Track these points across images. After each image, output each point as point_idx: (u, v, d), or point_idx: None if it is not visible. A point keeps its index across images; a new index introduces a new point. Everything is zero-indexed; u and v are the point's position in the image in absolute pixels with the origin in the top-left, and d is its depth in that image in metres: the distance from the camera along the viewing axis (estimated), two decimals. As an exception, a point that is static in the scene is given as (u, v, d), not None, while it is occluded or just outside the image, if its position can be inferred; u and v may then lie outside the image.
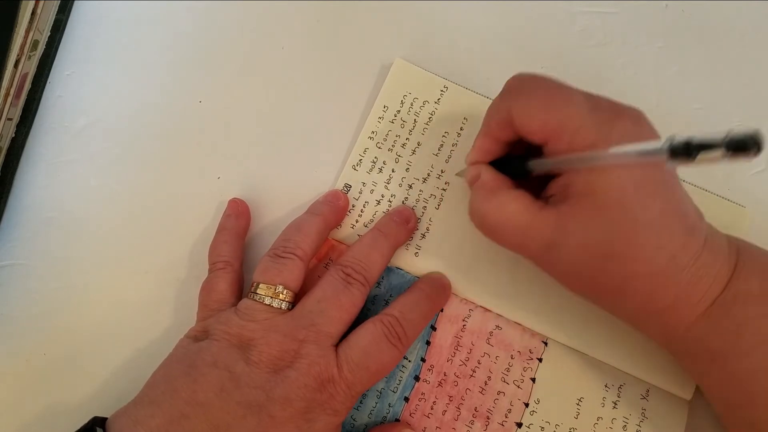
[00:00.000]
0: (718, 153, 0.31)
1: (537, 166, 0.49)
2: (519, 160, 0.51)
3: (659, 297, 0.46)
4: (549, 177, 0.50)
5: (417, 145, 0.61)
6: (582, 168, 0.45)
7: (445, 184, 0.60)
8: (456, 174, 0.60)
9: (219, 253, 0.57)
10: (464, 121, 0.61)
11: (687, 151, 0.33)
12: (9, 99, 0.59)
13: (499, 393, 0.55)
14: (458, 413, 0.55)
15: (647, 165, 0.35)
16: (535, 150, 0.49)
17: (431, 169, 0.60)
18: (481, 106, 0.61)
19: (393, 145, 0.61)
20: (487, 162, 0.52)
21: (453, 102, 0.62)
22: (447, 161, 0.60)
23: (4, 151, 0.60)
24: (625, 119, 0.46)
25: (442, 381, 0.56)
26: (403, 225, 0.58)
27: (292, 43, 0.65)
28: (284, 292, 0.52)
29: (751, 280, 0.46)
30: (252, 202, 0.61)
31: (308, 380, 0.48)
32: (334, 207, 0.58)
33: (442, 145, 0.61)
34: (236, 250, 0.58)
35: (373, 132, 0.61)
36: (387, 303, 0.57)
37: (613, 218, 0.45)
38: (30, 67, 0.62)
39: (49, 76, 0.63)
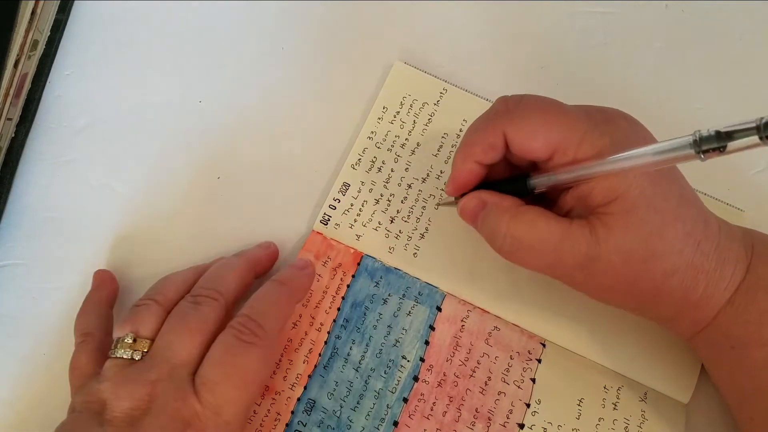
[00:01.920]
0: (752, 139, 0.32)
1: (543, 182, 0.48)
2: (519, 180, 0.50)
3: (693, 289, 0.46)
4: (544, 198, 0.50)
5: (416, 146, 0.61)
6: (595, 176, 0.45)
7: (445, 184, 0.60)
8: (437, 205, 0.60)
9: (80, 327, 0.54)
10: (463, 122, 0.61)
11: (718, 141, 0.33)
12: (9, 99, 0.59)
13: (499, 393, 0.55)
14: (459, 414, 0.54)
15: (686, 161, 0.36)
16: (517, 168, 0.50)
17: (430, 169, 0.61)
18: (481, 108, 0.60)
19: (392, 145, 0.61)
20: (469, 189, 0.51)
21: (452, 104, 0.62)
22: (446, 162, 0.61)
23: (3, 151, 0.60)
24: (618, 120, 0.46)
25: (442, 381, 0.55)
26: (257, 247, 0.58)
27: (292, 43, 0.65)
28: (139, 341, 0.48)
29: None
30: (252, 202, 0.61)
31: (166, 421, 0.45)
32: (198, 269, 0.56)
33: (441, 146, 0.61)
34: (98, 320, 0.54)
35: (372, 132, 0.62)
36: (385, 302, 0.57)
37: (643, 218, 0.45)
38: (30, 67, 0.62)
39: (49, 76, 0.64)
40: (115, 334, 0.50)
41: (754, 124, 0.31)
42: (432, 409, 0.55)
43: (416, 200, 0.60)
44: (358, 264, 0.58)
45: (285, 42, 0.65)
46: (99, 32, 0.65)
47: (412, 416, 0.55)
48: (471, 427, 0.54)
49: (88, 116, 0.63)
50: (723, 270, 0.45)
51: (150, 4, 0.66)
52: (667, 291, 0.47)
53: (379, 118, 0.62)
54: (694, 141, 0.34)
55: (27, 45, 0.60)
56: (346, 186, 0.60)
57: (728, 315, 0.46)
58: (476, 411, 0.55)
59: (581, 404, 0.55)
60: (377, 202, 0.60)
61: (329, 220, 0.60)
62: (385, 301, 0.57)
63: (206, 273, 0.54)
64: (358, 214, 0.60)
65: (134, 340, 0.48)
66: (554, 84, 0.63)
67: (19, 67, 0.60)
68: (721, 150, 0.33)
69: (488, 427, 0.54)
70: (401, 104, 0.62)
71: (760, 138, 0.31)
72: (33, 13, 0.60)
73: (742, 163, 0.61)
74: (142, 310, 0.50)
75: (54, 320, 0.59)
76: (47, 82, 0.63)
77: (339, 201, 0.60)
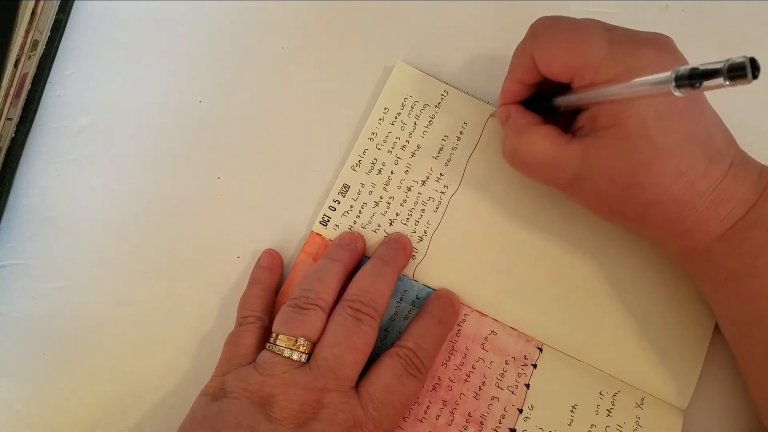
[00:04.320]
0: (719, 79, 0.33)
1: (562, 102, 0.51)
2: (545, 98, 0.53)
3: (678, 222, 0.47)
4: (580, 112, 0.51)
5: (417, 148, 0.61)
6: (605, 101, 0.46)
7: (444, 187, 0.60)
8: (490, 115, 0.61)
9: (251, 307, 0.57)
10: (464, 125, 0.61)
11: (690, 79, 0.34)
12: (9, 99, 0.59)
13: (493, 398, 0.56)
14: (452, 418, 0.55)
15: (666, 95, 0.37)
16: (567, 86, 0.50)
17: (430, 172, 0.61)
18: (481, 111, 0.61)
19: (393, 147, 0.61)
20: (516, 102, 0.54)
21: (453, 106, 0.62)
22: (446, 164, 0.61)
23: (4, 151, 0.60)
24: (646, 48, 0.46)
25: (436, 385, 0.56)
26: (402, 251, 0.58)
27: (292, 43, 0.65)
28: (304, 344, 0.51)
29: None
30: (252, 202, 0.62)
31: (335, 429, 0.48)
32: (353, 251, 0.58)
33: (441, 149, 0.61)
34: (268, 306, 0.58)
35: (373, 133, 0.61)
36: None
37: (635, 147, 0.46)
38: (30, 67, 0.62)
39: (49, 76, 0.64)
40: (280, 330, 0.52)
41: (720, 66, 0.33)
42: (425, 413, 0.55)
43: (416, 203, 0.60)
44: (357, 266, 0.58)
45: (285, 42, 0.64)
46: (99, 32, 0.65)
47: (405, 419, 0.55)
48: (463, 430, 0.55)
49: (88, 116, 0.63)
50: (718, 209, 0.46)
51: (150, 4, 0.65)
52: (651, 217, 0.49)
53: (380, 120, 0.62)
54: (675, 77, 0.35)
55: (27, 45, 0.60)
56: (346, 187, 0.60)
57: (720, 248, 0.47)
58: (469, 415, 0.55)
59: (574, 410, 0.55)
60: (377, 204, 0.60)
61: (329, 221, 0.60)
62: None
63: (362, 276, 0.55)
64: (358, 216, 0.60)
65: (304, 344, 0.51)
66: (554, 84, 0.63)
67: (19, 67, 0.60)
68: (694, 87, 0.34)
69: (480, 430, 0.55)
70: (402, 105, 0.62)
71: (725, 79, 0.33)
72: (33, 13, 0.60)
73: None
74: (311, 315, 0.52)
75: (54, 320, 0.59)
76: (47, 83, 0.63)
77: (339, 202, 0.60)
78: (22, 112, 0.62)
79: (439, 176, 0.60)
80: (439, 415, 0.55)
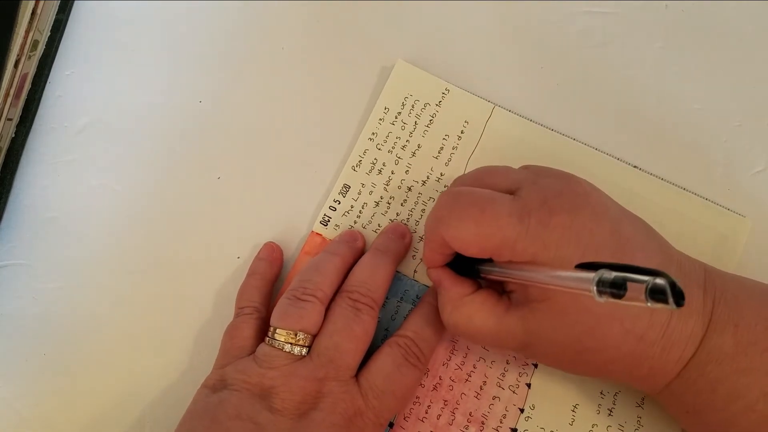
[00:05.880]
0: (641, 297, 0.30)
1: (488, 271, 0.50)
2: (471, 265, 0.52)
3: (636, 370, 0.47)
4: None
5: (417, 148, 0.61)
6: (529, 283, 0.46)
7: (444, 187, 0.60)
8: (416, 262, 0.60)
9: (249, 297, 0.57)
10: (465, 124, 0.61)
11: (612, 289, 0.31)
12: (9, 99, 0.59)
13: (494, 398, 0.56)
14: (453, 418, 0.55)
15: (586, 294, 0.34)
16: None
17: (431, 171, 0.60)
18: (481, 110, 0.61)
19: (393, 147, 0.61)
20: (443, 265, 0.53)
21: (454, 105, 0.62)
22: (447, 164, 0.61)
23: (4, 151, 0.60)
24: (558, 215, 0.45)
25: (437, 385, 0.56)
26: (400, 240, 0.58)
27: (292, 43, 0.65)
28: (304, 338, 0.51)
29: (725, 335, 0.45)
30: (252, 202, 0.61)
31: (335, 418, 0.48)
32: (352, 247, 0.57)
33: (442, 148, 0.61)
34: (266, 297, 0.58)
35: (373, 133, 0.61)
36: (383, 304, 0.58)
37: (575, 319, 0.45)
38: (30, 67, 0.62)
39: (49, 76, 0.64)
40: (279, 324, 0.52)
41: (644, 285, 0.30)
42: (426, 412, 0.55)
43: (416, 203, 0.60)
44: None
45: (285, 42, 0.64)
46: (99, 32, 0.65)
47: (407, 418, 0.55)
48: (464, 430, 0.55)
49: (88, 116, 0.63)
50: (670, 352, 0.45)
51: (150, 4, 0.65)
52: (610, 372, 0.49)
53: (380, 119, 0.62)
54: (597, 281, 0.32)
55: (27, 45, 0.60)
56: (346, 188, 0.61)
57: (679, 386, 0.46)
58: (470, 415, 0.55)
59: (575, 410, 0.55)
60: (377, 204, 0.60)
61: (329, 221, 0.60)
62: (383, 304, 0.57)
63: (361, 268, 0.55)
64: (358, 216, 0.60)
65: (303, 337, 0.51)
66: (554, 84, 0.63)
67: (20, 67, 0.60)
68: (616, 297, 0.31)
69: (481, 430, 0.55)
70: (403, 105, 0.62)
71: (646, 299, 0.30)
72: (33, 13, 0.60)
73: (742, 163, 0.61)
74: (308, 308, 0.52)
75: (54, 320, 0.59)
76: (47, 83, 0.63)
77: (339, 202, 0.60)
78: (22, 112, 0.62)
79: (439, 176, 0.60)
80: (440, 415, 0.55)
